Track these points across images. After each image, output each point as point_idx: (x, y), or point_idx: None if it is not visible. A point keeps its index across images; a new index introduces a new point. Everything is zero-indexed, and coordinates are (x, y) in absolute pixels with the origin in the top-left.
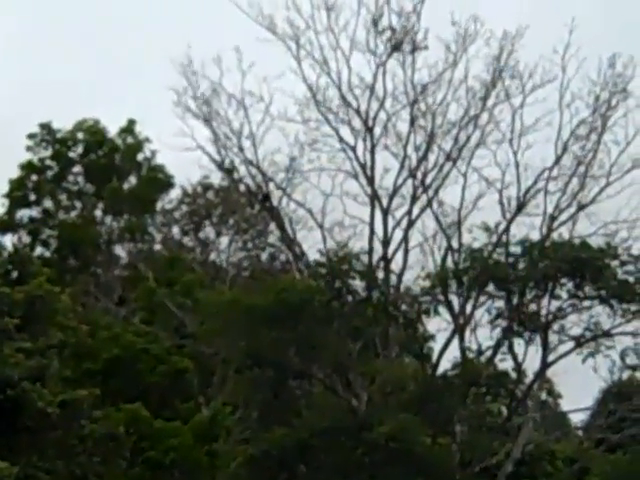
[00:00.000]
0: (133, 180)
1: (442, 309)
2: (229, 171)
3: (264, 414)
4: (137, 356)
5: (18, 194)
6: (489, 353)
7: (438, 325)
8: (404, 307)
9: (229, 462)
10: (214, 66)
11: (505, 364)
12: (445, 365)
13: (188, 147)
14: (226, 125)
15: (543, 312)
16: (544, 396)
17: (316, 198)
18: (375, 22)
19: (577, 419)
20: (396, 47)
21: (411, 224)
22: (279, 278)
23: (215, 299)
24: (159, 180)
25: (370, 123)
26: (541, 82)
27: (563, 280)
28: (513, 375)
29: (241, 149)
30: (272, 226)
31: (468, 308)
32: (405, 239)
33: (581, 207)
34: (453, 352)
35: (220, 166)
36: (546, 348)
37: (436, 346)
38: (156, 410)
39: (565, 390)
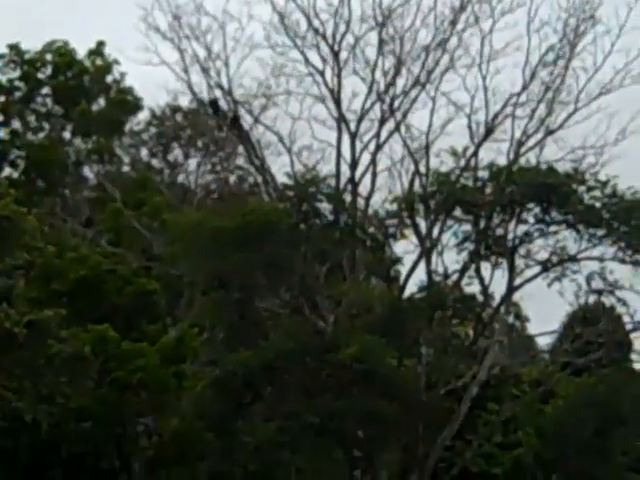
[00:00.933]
0: (102, 102)
1: (409, 232)
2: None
3: (231, 335)
4: (104, 277)
5: None
6: (456, 277)
7: (406, 248)
8: (371, 230)
9: (196, 383)
10: None
11: (472, 288)
12: (412, 288)
13: (152, 62)
14: (200, 46)
15: (510, 236)
16: (511, 320)
17: (285, 122)
18: None
19: (544, 343)
20: None
21: (379, 148)
22: (246, 200)
23: (182, 221)
24: (128, 102)
25: (337, 47)
26: (510, 7)
27: (530, 205)
28: (480, 298)
29: (208, 71)
30: (241, 149)
31: (435, 232)
32: (373, 162)
33: (549, 133)
34: (420, 275)
35: (190, 87)
36: (512, 272)
37: (403, 269)
38: (123, 331)
39: (533, 314)
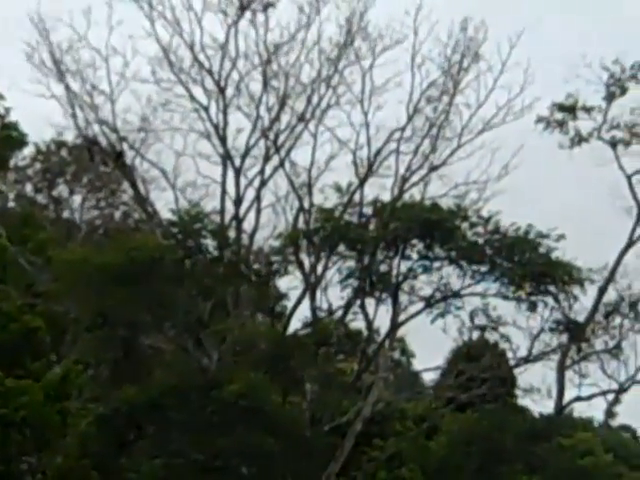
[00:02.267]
0: None
1: (294, 268)
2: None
3: (115, 372)
4: None
5: None
6: (340, 313)
7: (290, 284)
8: (256, 266)
9: (80, 420)
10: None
11: (357, 324)
12: (297, 324)
13: (44, 95)
14: (83, 82)
15: (394, 272)
16: (397, 355)
17: (170, 158)
18: None
19: (429, 378)
20: (245, 6)
21: (263, 184)
22: (131, 237)
23: (67, 257)
24: (12, 138)
25: (222, 83)
26: (391, 43)
27: (414, 241)
28: (366, 334)
29: (92, 107)
30: (125, 185)
31: (319, 268)
32: (257, 199)
33: (432, 168)
34: (305, 311)
35: (75, 122)
36: (396, 308)
37: (290, 305)
38: (7, 368)
39: (418, 349)
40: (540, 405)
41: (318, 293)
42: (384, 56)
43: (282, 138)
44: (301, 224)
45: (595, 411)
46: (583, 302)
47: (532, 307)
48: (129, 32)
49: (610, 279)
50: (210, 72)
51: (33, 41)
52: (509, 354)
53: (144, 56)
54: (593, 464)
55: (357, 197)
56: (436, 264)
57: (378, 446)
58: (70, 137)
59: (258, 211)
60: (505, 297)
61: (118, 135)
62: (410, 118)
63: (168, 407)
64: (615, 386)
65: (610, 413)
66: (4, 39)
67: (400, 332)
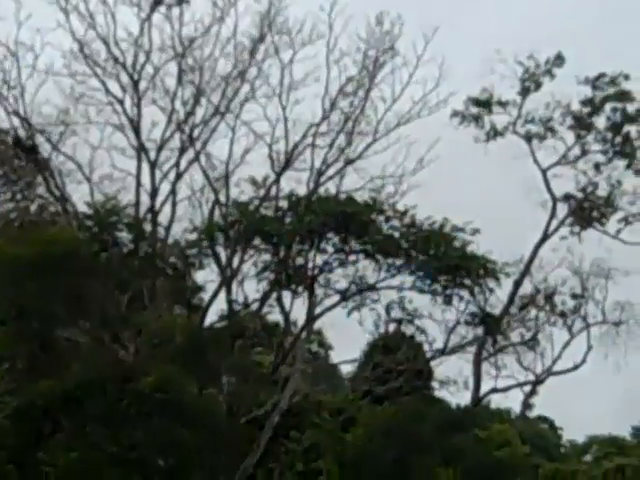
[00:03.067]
0: None
1: (210, 262)
2: None
3: (31, 365)
4: None
5: None
6: (256, 305)
7: (207, 277)
8: (172, 259)
9: None
10: None
11: (274, 317)
12: (213, 317)
13: None
14: None
15: (309, 266)
16: (315, 348)
17: (85, 151)
18: None
19: (346, 371)
20: (159, 0)
21: (179, 177)
22: (45, 229)
23: None
24: None
25: (136, 77)
26: (310, 39)
27: (329, 234)
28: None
29: (4, 100)
30: (41, 178)
31: (236, 261)
32: (173, 192)
33: (348, 162)
34: (221, 304)
35: None
36: (312, 301)
37: (207, 297)
38: None
39: (336, 342)
40: (457, 397)
41: (234, 286)
42: (303, 51)
43: (197, 131)
44: (217, 217)
45: (512, 403)
46: (499, 295)
47: (448, 300)
48: (41, 24)
49: (526, 272)
50: (124, 66)
51: None
52: (425, 347)
53: (58, 49)
54: (510, 455)
55: (273, 191)
56: (352, 257)
57: (295, 438)
58: None
59: (174, 204)
60: (421, 290)
61: (31, 127)
62: (326, 113)
63: (84, 400)
64: (532, 378)
65: (527, 405)
66: None
67: (317, 325)
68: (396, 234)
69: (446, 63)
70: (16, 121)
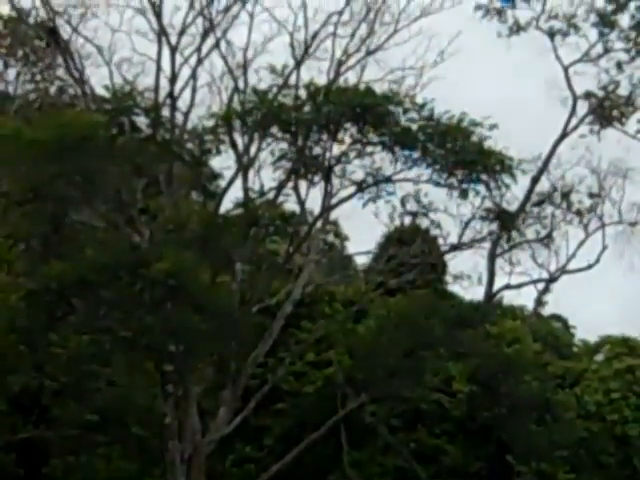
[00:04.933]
0: None
1: (227, 148)
2: None
3: (45, 248)
4: None
5: None
6: (272, 194)
7: (224, 163)
8: (189, 145)
9: (9, 296)
10: None
11: (290, 206)
12: (229, 205)
13: None
14: None
15: (327, 156)
16: (331, 238)
17: (105, 34)
18: None
19: (361, 262)
20: None
21: (199, 63)
22: (63, 112)
23: None
24: None
25: None
26: None
27: (347, 125)
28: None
29: None
30: (61, 60)
31: (253, 149)
32: (193, 77)
33: (369, 53)
34: (238, 192)
35: None
36: (328, 191)
37: (224, 184)
38: None
39: (353, 233)
40: (470, 292)
41: (251, 174)
42: None
43: (219, 17)
44: (236, 104)
45: (525, 300)
46: (515, 192)
47: (463, 194)
48: None
49: (543, 169)
50: None
51: None
52: (440, 240)
53: None
54: (519, 352)
55: (293, 79)
56: (369, 149)
57: (307, 328)
58: (4, 10)
59: (193, 90)
60: (437, 184)
61: (51, 9)
62: (348, 1)
63: (97, 284)
64: (545, 275)
65: (540, 302)
66: None
67: (334, 215)
68: (414, 127)
69: None
70: (37, 1)
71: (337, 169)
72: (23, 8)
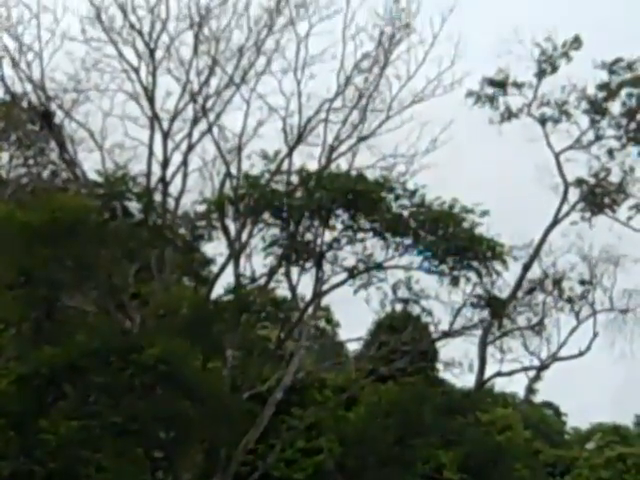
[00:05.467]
0: None
1: (219, 234)
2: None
3: (37, 332)
4: None
5: None
6: (264, 280)
7: (217, 249)
8: (181, 231)
9: (0, 380)
10: None
11: (281, 292)
12: (221, 291)
13: None
14: (12, 38)
15: (318, 242)
16: (322, 324)
17: (98, 118)
18: None
19: (352, 349)
20: None
21: (191, 148)
22: (55, 196)
23: None
24: None
25: (153, 45)
26: (326, 13)
27: (338, 211)
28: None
29: (20, 64)
30: (54, 144)
31: (244, 235)
32: (184, 163)
33: (361, 139)
34: (229, 278)
35: (2, 79)
36: (319, 277)
37: (215, 270)
38: None
39: (344, 320)
40: (461, 379)
41: (242, 260)
42: (319, 25)
43: (211, 102)
44: (228, 190)
45: (516, 387)
46: (506, 278)
47: (455, 281)
48: None
49: (535, 256)
50: (140, 33)
51: None
52: (431, 327)
53: (75, 14)
54: (510, 440)
55: (285, 165)
56: (360, 235)
57: (297, 415)
58: None
59: (185, 175)
60: (428, 271)
61: (46, 94)
62: (341, 88)
63: (88, 369)
64: (537, 363)
65: (531, 389)
66: None
67: (325, 301)
68: (405, 213)
69: (462, 42)
70: (30, 86)
71: (328, 255)
72: (16, 92)
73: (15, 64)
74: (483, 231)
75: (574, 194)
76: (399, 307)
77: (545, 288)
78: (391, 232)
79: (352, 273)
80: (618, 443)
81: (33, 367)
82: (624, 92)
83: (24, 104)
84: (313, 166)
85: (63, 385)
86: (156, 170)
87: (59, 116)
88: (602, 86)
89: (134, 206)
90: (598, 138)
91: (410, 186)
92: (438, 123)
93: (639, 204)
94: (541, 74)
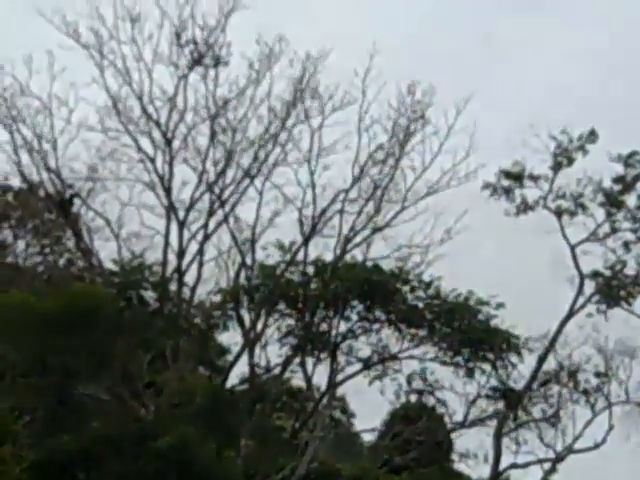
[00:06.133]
0: None
1: (234, 324)
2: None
3: (50, 420)
4: None
5: None
6: (278, 370)
7: (231, 338)
8: (197, 320)
9: (14, 467)
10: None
11: (295, 381)
12: (235, 380)
13: None
14: (29, 128)
15: (333, 332)
16: (337, 415)
17: (114, 207)
18: (178, 35)
19: (367, 439)
20: (197, 61)
21: (207, 238)
22: (71, 284)
23: (6, 302)
24: None
25: (170, 135)
26: (341, 104)
27: (354, 302)
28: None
29: (37, 154)
30: (70, 233)
31: (259, 325)
32: (200, 252)
33: (375, 230)
34: (244, 367)
35: (19, 169)
36: (334, 368)
37: (230, 359)
38: None
39: (359, 410)
40: (476, 471)
41: (257, 349)
42: (333, 117)
43: (227, 193)
44: (243, 280)
45: (531, 479)
46: (521, 370)
47: (470, 373)
48: (75, 80)
49: (550, 348)
50: (158, 124)
51: None
52: (446, 418)
53: (92, 104)
54: None
55: (300, 255)
56: (375, 326)
57: None
58: (15, 183)
59: (200, 265)
60: (443, 362)
61: (63, 183)
62: (356, 180)
63: (102, 456)
64: (552, 455)
65: None
66: None
67: (340, 391)
68: (420, 305)
69: (476, 133)
70: (47, 175)
71: (343, 346)
72: (33, 181)
73: (32, 153)
74: (498, 323)
75: (590, 286)
76: (414, 398)
77: (560, 380)
78: (406, 323)
79: (367, 364)
80: None
81: (47, 454)
82: None
83: (41, 193)
84: (328, 257)
85: (77, 472)
86: (172, 259)
87: (76, 205)
88: (618, 179)
89: (150, 295)
90: (614, 231)
91: (425, 277)
92: (453, 213)
93: None
94: (557, 167)
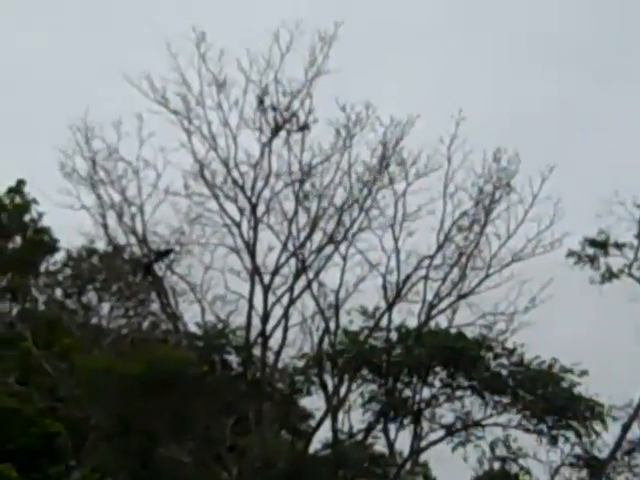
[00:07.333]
0: (18, 240)
1: (317, 389)
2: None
3: None
4: (9, 416)
5: None
6: (361, 435)
7: (314, 403)
8: (280, 385)
9: None
10: (110, 131)
11: (378, 447)
12: (318, 445)
13: (73, 207)
14: (117, 191)
15: (416, 399)
16: None
17: (199, 270)
18: (260, 100)
19: None
20: (279, 127)
21: (291, 302)
22: (155, 347)
23: (90, 364)
24: (44, 242)
25: (254, 200)
26: (425, 170)
27: (437, 368)
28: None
29: (123, 217)
30: (154, 295)
31: (342, 390)
32: (285, 317)
33: (460, 297)
34: (327, 432)
35: (106, 232)
36: (417, 434)
37: (313, 424)
38: (25, 472)
39: (442, 476)
40: None
41: (340, 415)
42: (418, 183)
43: (312, 258)
44: (326, 345)
45: None
46: (605, 438)
47: (553, 441)
48: (162, 144)
49: (634, 416)
50: (243, 189)
51: (69, 150)
52: None
53: (178, 168)
54: None
55: (384, 321)
56: (458, 392)
57: None
58: (101, 245)
59: (285, 329)
60: (526, 429)
61: (147, 246)
62: (440, 246)
63: None
64: None
65: None
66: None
67: (423, 458)
68: (504, 372)
69: (561, 202)
70: (133, 238)
71: (426, 412)
72: (119, 244)
73: (119, 216)
74: (582, 391)
75: None
76: (497, 465)
77: None
78: (489, 390)
79: (450, 430)
80: None
81: None
82: None
83: (126, 256)
84: (412, 323)
85: None
86: (256, 323)
87: (161, 267)
88: None
89: (233, 359)
90: None
91: (509, 344)
92: (537, 281)
93: None
94: None
